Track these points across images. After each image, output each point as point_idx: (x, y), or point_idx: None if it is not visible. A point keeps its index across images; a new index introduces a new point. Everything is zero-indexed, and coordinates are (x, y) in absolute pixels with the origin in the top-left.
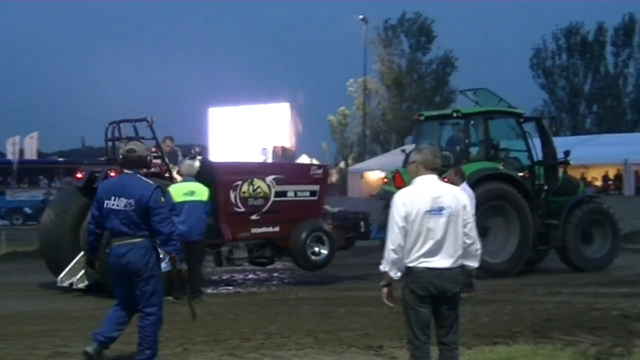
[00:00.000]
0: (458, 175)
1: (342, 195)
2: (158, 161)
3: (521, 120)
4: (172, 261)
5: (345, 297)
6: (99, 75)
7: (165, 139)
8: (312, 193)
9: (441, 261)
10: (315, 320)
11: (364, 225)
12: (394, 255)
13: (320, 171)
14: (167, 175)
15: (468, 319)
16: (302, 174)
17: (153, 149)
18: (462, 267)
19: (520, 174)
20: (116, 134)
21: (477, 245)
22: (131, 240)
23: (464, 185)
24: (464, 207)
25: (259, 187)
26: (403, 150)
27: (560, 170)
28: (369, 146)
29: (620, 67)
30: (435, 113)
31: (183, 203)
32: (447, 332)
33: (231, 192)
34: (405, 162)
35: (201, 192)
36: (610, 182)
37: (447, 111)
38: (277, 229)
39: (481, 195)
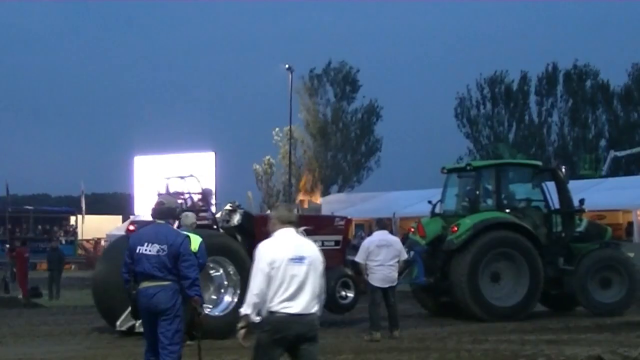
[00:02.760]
0: (376, 225)
1: None
2: (208, 214)
3: (537, 171)
4: (195, 304)
5: None
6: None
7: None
8: (337, 242)
9: (301, 306)
10: None
11: None
12: (256, 300)
13: (342, 222)
14: (214, 227)
15: None
16: (327, 225)
17: (201, 203)
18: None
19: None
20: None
21: (324, 295)
22: (161, 283)
23: (380, 233)
24: (320, 258)
25: None
26: (429, 202)
27: (585, 218)
28: (295, 195)
29: (544, 116)
30: (455, 166)
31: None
32: None
33: None
34: (432, 213)
35: (193, 242)
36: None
37: (463, 164)
38: None
39: (487, 242)
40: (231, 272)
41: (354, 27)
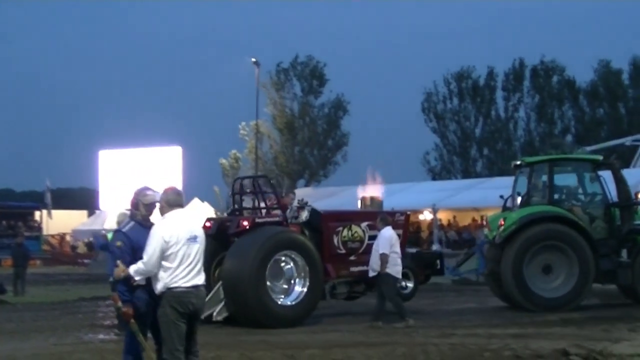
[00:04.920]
0: (381, 221)
1: None
2: (278, 212)
3: (594, 165)
4: (114, 301)
5: (238, 341)
6: None
7: (288, 193)
8: (398, 236)
9: (197, 280)
10: None
11: (440, 263)
12: (145, 269)
13: (402, 217)
14: (285, 223)
15: None
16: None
17: (273, 202)
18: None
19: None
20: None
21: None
22: None
23: (386, 228)
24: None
25: (356, 232)
26: (501, 197)
27: None
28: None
29: (511, 111)
30: (516, 162)
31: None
32: (195, 342)
33: (334, 236)
34: (503, 207)
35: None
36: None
37: (518, 161)
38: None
39: (532, 235)
40: (300, 265)
41: (322, 21)
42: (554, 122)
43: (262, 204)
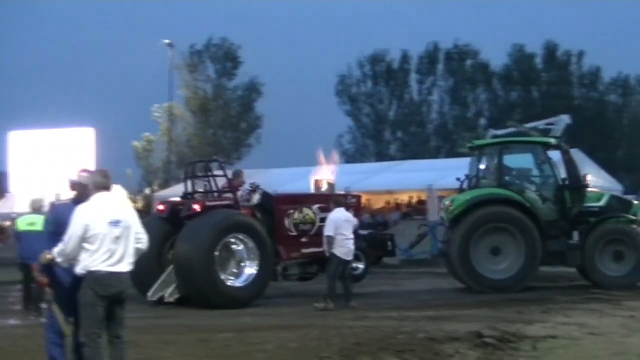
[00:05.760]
0: (333, 203)
1: None
2: (230, 195)
3: (545, 148)
4: (35, 270)
5: (152, 325)
6: None
7: (237, 173)
8: None
9: (120, 266)
10: None
11: (391, 245)
12: (66, 251)
13: (354, 200)
14: (236, 206)
15: (276, 345)
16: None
17: (225, 185)
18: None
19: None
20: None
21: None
22: None
23: (334, 211)
24: (135, 221)
25: (307, 214)
26: (458, 179)
27: (608, 193)
28: (175, 172)
29: (425, 94)
30: (467, 145)
31: (26, 232)
32: (119, 327)
33: (286, 219)
34: (460, 189)
35: (40, 224)
36: (412, 208)
37: (469, 144)
38: (322, 249)
39: (478, 218)
40: (250, 247)
41: (236, 3)
42: (468, 106)
43: (218, 188)
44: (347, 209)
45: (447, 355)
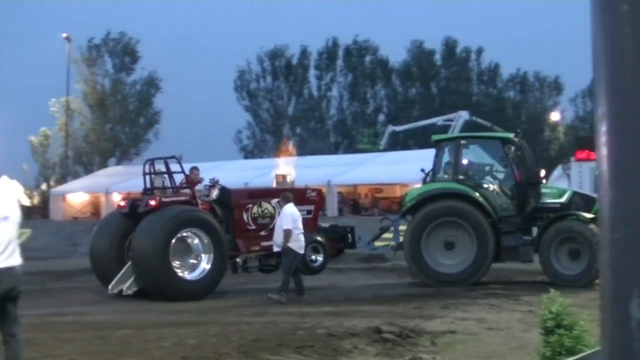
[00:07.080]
0: (283, 199)
1: (44, 219)
2: (187, 190)
3: (502, 143)
4: None
5: (49, 322)
6: None
7: (192, 169)
8: (309, 212)
9: (9, 260)
10: None
11: (351, 237)
12: None
13: (314, 194)
14: (194, 202)
15: (174, 341)
16: (300, 197)
17: (183, 181)
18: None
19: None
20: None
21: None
22: None
23: (288, 205)
24: (19, 216)
25: (266, 208)
26: (422, 170)
27: (571, 189)
28: (72, 168)
29: (324, 90)
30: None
31: None
32: (13, 324)
33: (244, 213)
34: (423, 182)
35: None
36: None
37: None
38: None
39: (429, 212)
40: (205, 242)
41: None
42: (367, 102)
43: (175, 184)
44: (306, 204)
45: (346, 350)
